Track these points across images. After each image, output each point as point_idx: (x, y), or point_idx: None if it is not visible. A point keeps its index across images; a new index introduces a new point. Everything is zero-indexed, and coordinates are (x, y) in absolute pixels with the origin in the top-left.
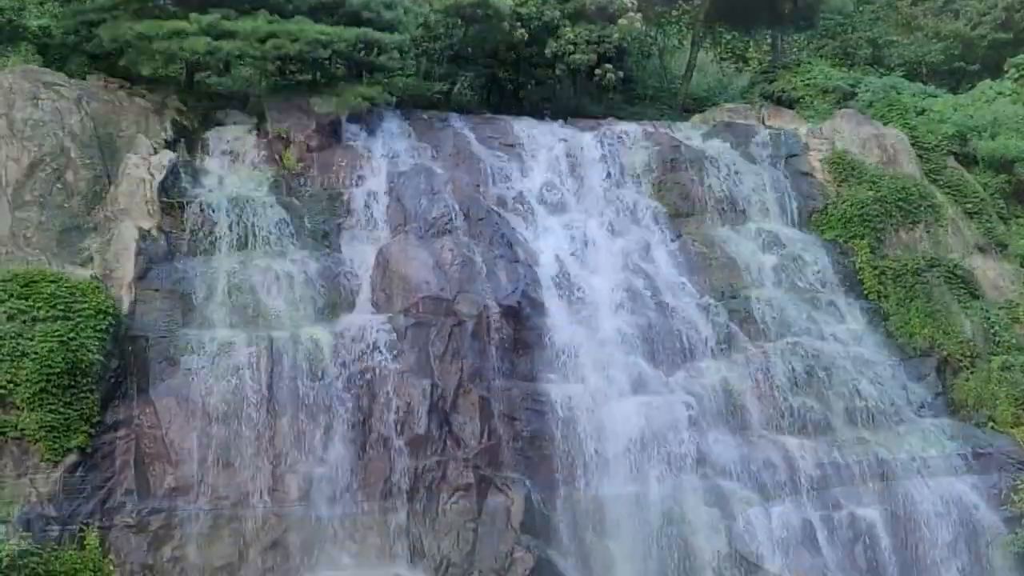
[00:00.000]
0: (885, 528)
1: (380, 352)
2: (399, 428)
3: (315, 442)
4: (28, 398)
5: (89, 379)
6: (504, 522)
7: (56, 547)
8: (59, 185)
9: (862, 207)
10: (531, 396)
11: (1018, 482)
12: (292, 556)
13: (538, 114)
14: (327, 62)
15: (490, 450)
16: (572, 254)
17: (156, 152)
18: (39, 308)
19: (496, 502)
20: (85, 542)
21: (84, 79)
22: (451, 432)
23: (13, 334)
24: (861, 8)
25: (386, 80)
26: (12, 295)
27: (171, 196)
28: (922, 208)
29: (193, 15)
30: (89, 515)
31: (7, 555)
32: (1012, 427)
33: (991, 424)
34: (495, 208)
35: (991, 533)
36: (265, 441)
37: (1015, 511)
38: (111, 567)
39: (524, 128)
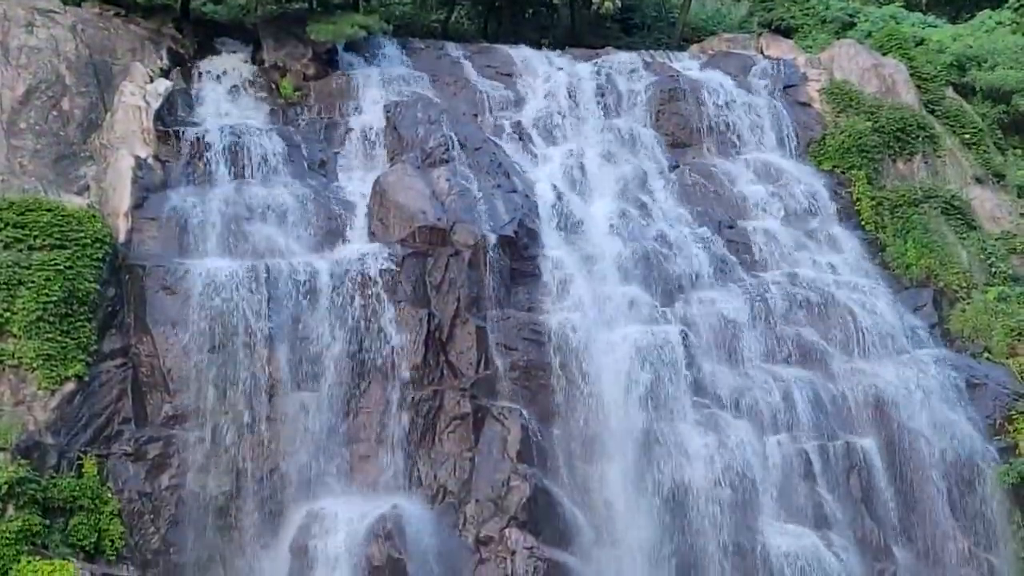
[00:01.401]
0: (880, 458)
1: (377, 282)
2: (396, 358)
3: (312, 371)
4: (25, 327)
5: (86, 308)
6: (500, 451)
7: (54, 475)
8: (55, 113)
9: (860, 137)
10: (528, 326)
11: (1012, 412)
12: (289, 484)
13: (535, 43)
14: None
15: (487, 380)
16: (569, 184)
17: (152, 80)
18: (35, 237)
19: (493, 431)
20: (83, 470)
21: (79, 6)
22: (448, 362)
23: (10, 263)
24: None
25: (383, 8)
26: (8, 224)
27: (167, 125)
28: (920, 139)
29: None
30: (87, 443)
31: (6, 482)
32: (1007, 358)
33: (986, 355)
34: (492, 138)
35: (985, 463)
36: (262, 370)
37: (1009, 441)
38: (109, 494)
39: (521, 57)
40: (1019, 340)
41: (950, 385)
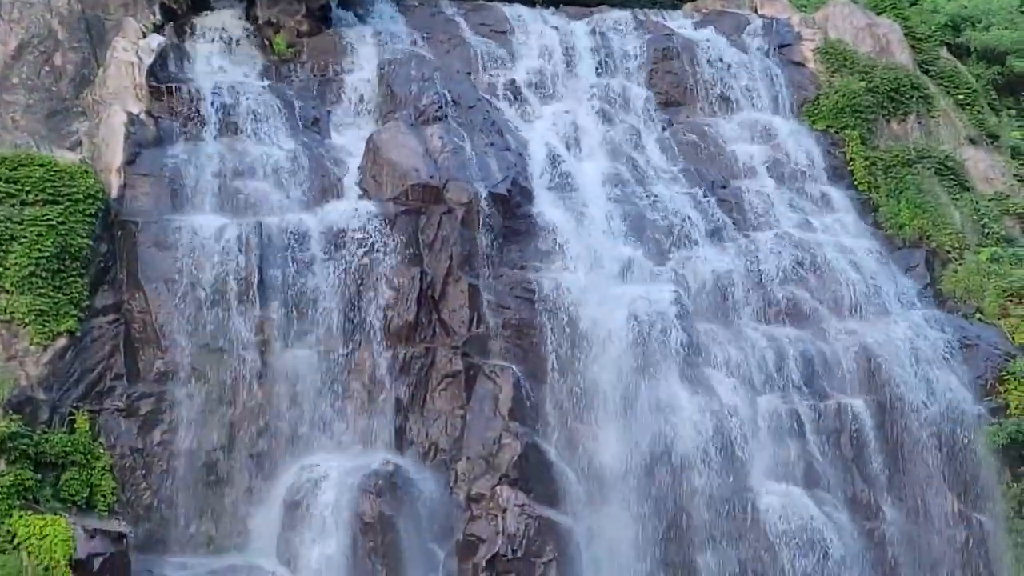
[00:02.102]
0: (871, 418)
1: (369, 239)
2: (388, 315)
3: (304, 327)
4: (17, 282)
5: (78, 263)
6: (492, 409)
7: (46, 430)
8: (47, 68)
9: (854, 97)
10: (520, 284)
11: (1003, 373)
12: (281, 441)
13: (530, 1)
14: None
15: (479, 338)
16: (562, 142)
17: (144, 36)
18: (28, 192)
19: (485, 389)
20: (75, 425)
21: None
22: (440, 320)
23: (1, 218)
24: None
25: None
26: (0, 179)
27: (160, 81)
28: (914, 99)
29: None
30: (79, 399)
31: None
32: (999, 319)
33: (978, 315)
34: (486, 96)
35: (975, 423)
36: (254, 327)
37: (1000, 402)
38: (101, 450)
39: (516, 15)
40: (1011, 301)
41: (942, 345)
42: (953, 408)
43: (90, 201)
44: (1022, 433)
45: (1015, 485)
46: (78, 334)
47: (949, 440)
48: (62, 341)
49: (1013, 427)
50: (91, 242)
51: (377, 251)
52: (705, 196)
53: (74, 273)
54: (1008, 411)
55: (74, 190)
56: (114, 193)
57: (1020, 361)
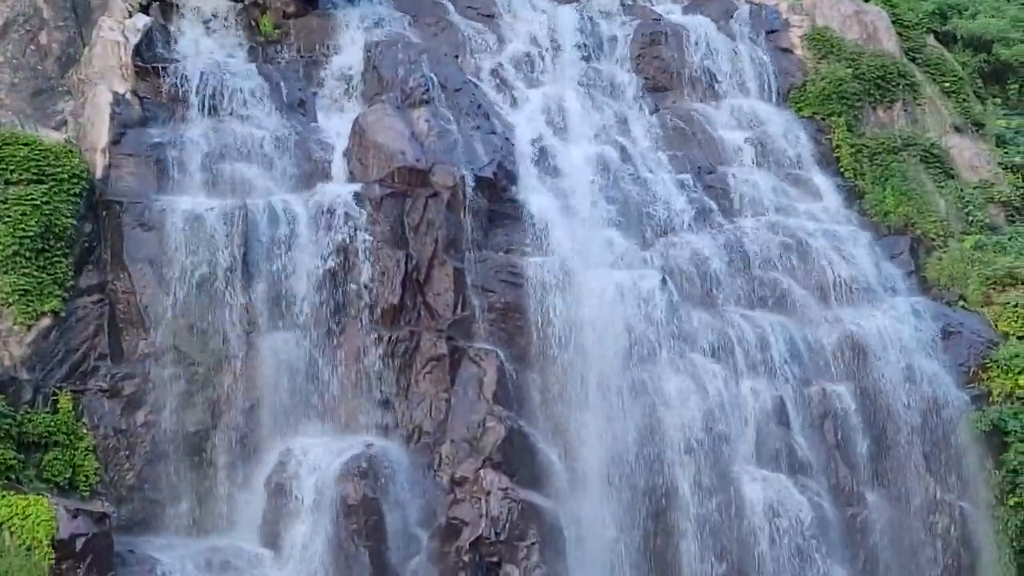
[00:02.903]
0: (854, 404)
1: (355, 222)
2: (373, 298)
3: (289, 310)
4: (1, 261)
5: (63, 243)
6: (476, 392)
7: (29, 410)
8: (32, 47)
9: (840, 84)
10: (506, 268)
11: (986, 360)
12: (265, 423)
13: None
14: None
15: (464, 321)
16: (549, 126)
17: (130, 15)
18: (12, 171)
19: (469, 373)
20: (59, 405)
21: None
22: (425, 303)
23: None
24: None
25: None
26: None
27: (146, 61)
28: (900, 87)
29: None
30: (62, 379)
31: None
32: (982, 306)
33: (962, 303)
34: (472, 79)
35: (958, 410)
36: (239, 308)
37: (982, 389)
38: (84, 430)
39: None
40: (994, 289)
41: (925, 333)
42: (936, 395)
43: (75, 181)
44: (1004, 420)
45: (997, 472)
46: (62, 314)
47: (932, 427)
48: (46, 321)
49: (995, 414)
50: (75, 222)
51: (362, 234)
52: (691, 182)
53: (58, 253)
54: (990, 398)
55: (59, 170)
56: (99, 173)
57: (1003, 349)
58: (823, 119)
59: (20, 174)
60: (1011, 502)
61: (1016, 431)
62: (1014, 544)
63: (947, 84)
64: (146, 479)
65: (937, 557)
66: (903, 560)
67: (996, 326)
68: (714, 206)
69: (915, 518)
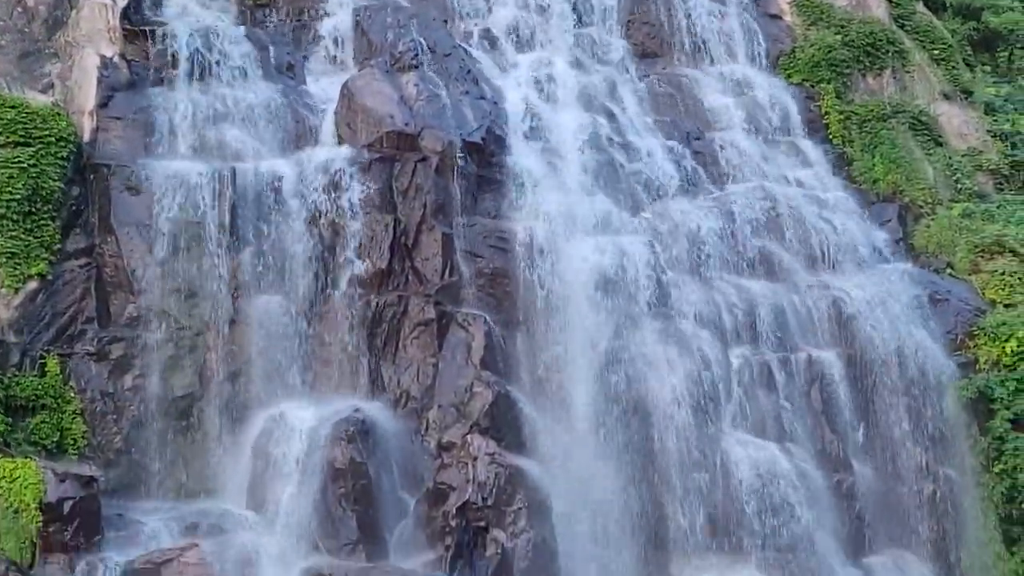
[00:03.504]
0: (842, 370)
1: (343, 186)
2: (361, 262)
3: (277, 274)
4: None
5: (50, 206)
6: (464, 358)
7: (17, 373)
8: (19, 9)
9: (829, 51)
10: (494, 233)
11: (973, 328)
12: (252, 387)
13: None
14: None
15: (452, 286)
16: (538, 92)
17: None
18: None
19: (457, 338)
20: (46, 369)
21: None
22: (413, 268)
23: None
24: None
25: None
26: None
27: (133, 24)
28: (889, 54)
29: None
30: (50, 342)
31: None
32: (970, 274)
33: (950, 271)
34: (462, 44)
35: (945, 378)
36: (226, 272)
37: (969, 357)
38: (71, 394)
39: None
40: (982, 256)
41: (913, 300)
42: (923, 362)
43: (62, 144)
44: (991, 388)
45: (983, 439)
46: (49, 277)
47: (918, 394)
48: (33, 284)
49: (982, 382)
50: (63, 185)
51: (350, 198)
52: (680, 148)
53: (45, 216)
54: (977, 366)
55: (46, 133)
56: (86, 136)
57: (990, 316)
58: (812, 86)
59: (7, 137)
60: (997, 469)
61: (1002, 398)
62: (999, 511)
63: (936, 51)
64: (134, 443)
65: (923, 523)
66: (889, 526)
67: (983, 294)
68: (702, 172)
69: (901, 484)
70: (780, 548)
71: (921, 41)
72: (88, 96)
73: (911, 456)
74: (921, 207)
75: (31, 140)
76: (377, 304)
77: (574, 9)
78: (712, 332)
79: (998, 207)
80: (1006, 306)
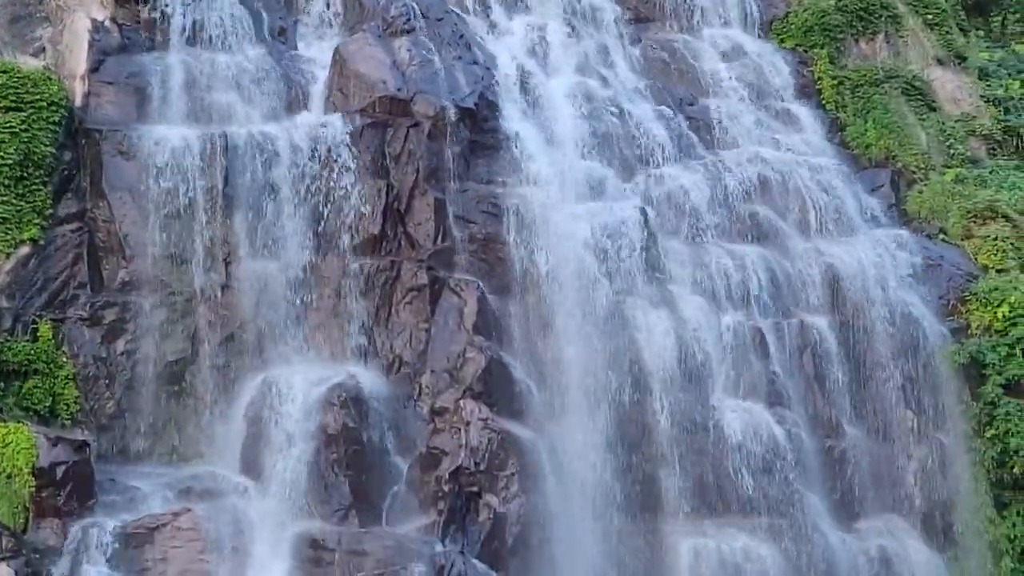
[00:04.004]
0: (834, 337)
1: (335, 151)
2: (353, 228)
3: (269, 239)
4: None
5: (41, 171)
6: (457, 323)
7: (9, 338)
8: None
9: (823, 16)
10: (487, 199)
11: (965, 293)
12: (245, 352)
13: None
14: None
15: (444, 252)
16: (531, 57)
17: None
18: None
19: (449, 303)
20: (38, 334)
21: None
22: (406, 233)
23: None
24: None
25: None
26: None
27: None
28: (883, 18)
29: None
30: (42, 307)
31: None
32: (963, 239)
33: (942, 236)
34: (454, 9)
35: (937, 343)
36: (219, 238)
37: (961, 322)
38: (64, 359)
39: None
40: (974, 222)
41: (905, 265)
42: (915, 328)
43: (54, 108)
44: (982, 353)
45: (975, 404)
46: (41, 242)
47: (910, 359)
48: (25, 249)
49: (974, 347)
50: (54, 150)
51: (343, 163)
52: (673, 113)
53: (37, 181)
54: (969, 331)
55: (37, 97)
56: (78, 101)
57: (982, 282)
58: (805, 51)
59: None
60: (988, 434)
61: (994, 364)
62: (990, 475)
63: (930, 16)
64: (126, 408)
65: (914, 488)
66: (880, 491)
67: (976, 259)
68: (695, 138)
69: (893, 450)
70: (771, 513)
71: (914, 6)
72: (79, 60)
73: (903, 421)
74: (914, 172)
75: (22, 105)
76: (369, 269)
77: None
78: (704, 297)
79: (991, 172)
80: (998, 271)
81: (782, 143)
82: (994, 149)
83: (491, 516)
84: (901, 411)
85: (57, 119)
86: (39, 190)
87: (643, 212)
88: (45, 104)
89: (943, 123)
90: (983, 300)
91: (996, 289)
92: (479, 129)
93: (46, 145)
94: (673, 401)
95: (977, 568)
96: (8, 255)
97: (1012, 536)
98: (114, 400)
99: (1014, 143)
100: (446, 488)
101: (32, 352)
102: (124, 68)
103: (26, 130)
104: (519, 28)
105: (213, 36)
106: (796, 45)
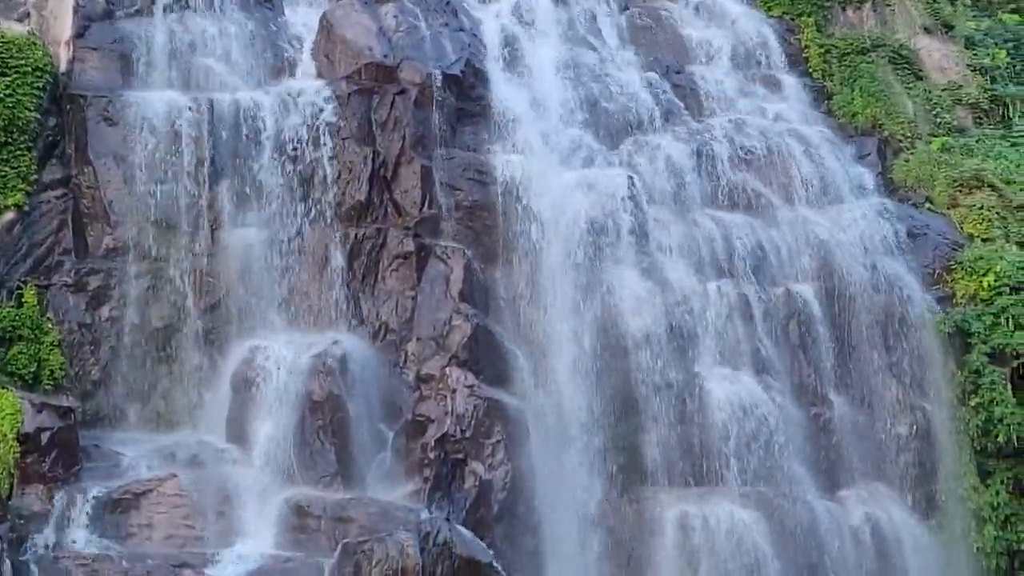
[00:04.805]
0: (820, 305)
1: (321, 118)
2: (340, 195)
3: (255, 206)
4: None
5: (26, 137)
6: (443, 290)
7: None
8: None
9: None
10: (473, 166)
11: (951, 262)
12: (230, 319)
13: None
14: None
15: (431, 219)
16: (518, 24)
17: None
18: None
19: (436, 270)
20: (23, 300)
21: None
22: (392, 200)
23: None
24: None
25: None
26: None
27: None
28: None
29: None
30: (27, 273)
31: None
32: (948, 208)
33: (928, 205)
34: None
35: (922, 312)
36: (204, 204)
37: (947, 291)
38: (49, 325)
39: None
40: (960, 191)
41: (891, 234)
42: (900, 296)
43: (38, 74)
44: (968, 322)
45: (959, 373)
46: (26, 208)
47: (895, 328)
48: (9, 215)
49: (959, 316)
50: (39, 116)
51: (329, 130)
52: (659, 81)
53: (22, 147)
54: (955, 300)
55: (22, 62)
56: (63, 67)
57: (968, 251)
58: (792, 19)
59: None
60: (973, 403)
61: (979, 333)
62: (975, 444)
63: None
64: (112, 374)
65: (899, 457)
66: (865, 459)
67: (962, 228)
68: (682, 106)
69: (878, 418)
70: (756, 481)
71: None
72: (64, 26)
73: (888, 390)
74: (900, 141)
75: (7, 70)
76: (356, 237)
77: None
78: (690, 266)
79: (977, 141)
80: (984, 240)
81: (769, 111)
82: (980, 118)
83: (477, 483)
84: (886, 380)
85: (41, 85)
86: (23, 156)
87: (629, 179)
88: (30, 69)
89: (930, 92)
90: (969, 269)
91: (981, 258)
92: (465, 96)
93: (30, 111)
94: (659, 369)
95: (960, 535)
96: None
97: (995, 504)
98: (99, 366)
99: (1000, 112)
100: (432, 455)
101: (17, 318)
102: (109, 34)
103: (10, 95)
104: None
105: (199, 2)
106: (783, 13)
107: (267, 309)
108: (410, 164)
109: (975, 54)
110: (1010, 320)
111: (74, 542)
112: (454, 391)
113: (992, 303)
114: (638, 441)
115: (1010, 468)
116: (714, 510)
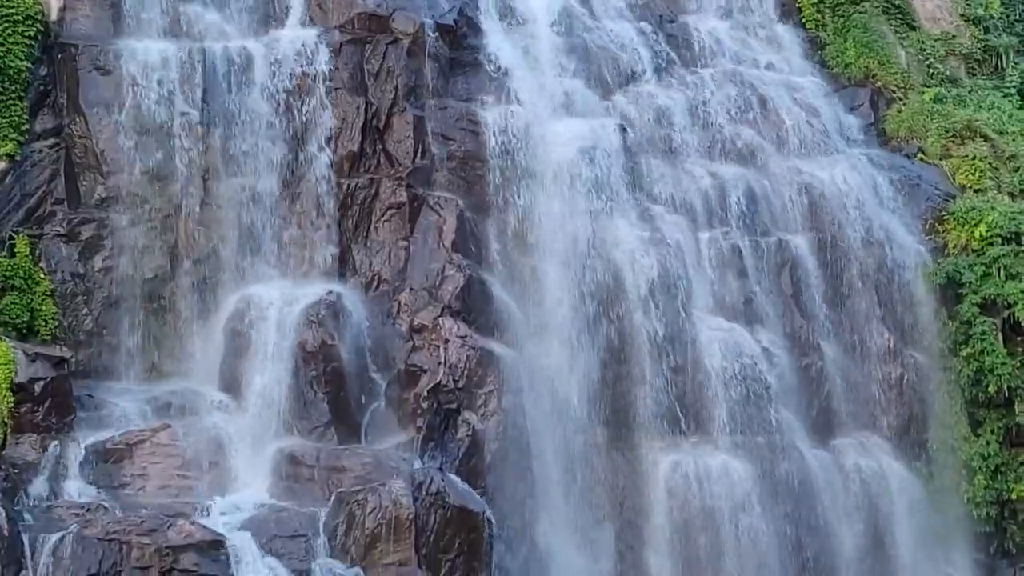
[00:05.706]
0: (812, 255)
1: (314, 67)
2: (332, 145)
3: (247, 156)
4: None
5: (17, 86)
6: (436, 240)
7: None
8: None
9: None
10: (466, 116)
11: (943, 213)
12: (223, 269)
13: None
14: None
15: (424, 169)
16: None
17: None
18: None
19: (428, 221)
20: (15, 250)
21: None
22: (385, 150)
23: None
24: None
25: None
26: None
27: None
28: None
29: None
30: (19, 223)
31: None
32: (941, 159)
33: (920, 156)
34: None
35: (914, 262)
36: (197, 154)
37: (939, 241)
38: (42, 275)
39: None
40: (953, 141)
41: (884, 185)
42: (893, 247)
43: (29, 23)
44: (959, 272)
45: (951, 323)
46: (17, 158)
47: (888, 278)
48: (1, 165)
49: (951, 266)
50: (30, 65)
51: (321, 80)
52: (653, 31)
53: (13, 96)
54: (946, 250)
55: (12, 11)
56: (54, 15)
57: (960, 201)
58: None
59: None
60: (964, 353)
61: (971, 283)
62: (965, 394)
63: None
64: (104, 324)
65: (890, 407)
66: (857, 409)
67: (954, 179)
68: (675, 56)
69: (869, 368)
70: (748, 430)
71: None
72: None
73: (879, 340)
74: (893, 92)
75: None
76: (348, 187)
77: None
78: (683, 216)
79: (970, 92)
80: (976, 191)
81: (762, 61)
82: (973, 68)
83: (469, 433)
84: (878, 330)
85: (32, 33)
86: (15, 105)
87: (622, 129)
88: (20, 18)
89: (923, 42)
90: (960, 219)
91: (974, 209)
92: (458, 46)
93: (21, 60)
94: (652, 318)
95: (951, 485)
96: None
97: (986, 454)
98: (92, 316)
99: (993, 62)
100: (424, 405)
101: (9, 268)
102: None
103: (1, 44)
104: None
105: None
106: None
107: (260, 259)
108: (402, 114)
109: (968, 4)
110: (1001, 270)
111: (68, 493)
112: (447, 341)
113: (984, 253)
114: (631, 390)
115: (1000, 418)
116: (706, 459)
